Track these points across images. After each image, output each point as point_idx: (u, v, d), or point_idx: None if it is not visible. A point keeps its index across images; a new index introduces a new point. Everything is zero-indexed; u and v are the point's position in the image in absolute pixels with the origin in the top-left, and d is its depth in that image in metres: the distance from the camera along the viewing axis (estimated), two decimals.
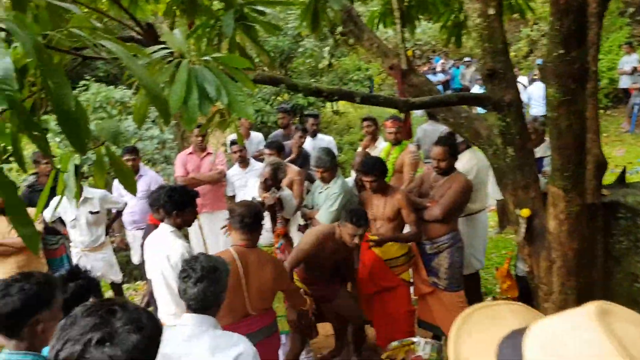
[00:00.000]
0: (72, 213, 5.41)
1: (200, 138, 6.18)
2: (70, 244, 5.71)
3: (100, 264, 5.68)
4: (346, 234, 3.95)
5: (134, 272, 8.97)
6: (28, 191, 5.92)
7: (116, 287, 5.96)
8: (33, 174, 6.17)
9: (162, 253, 3.63)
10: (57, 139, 7.51)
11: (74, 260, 5.66)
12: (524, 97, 11.93)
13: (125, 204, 5.91)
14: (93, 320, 1.24)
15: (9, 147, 2.02)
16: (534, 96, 11.64)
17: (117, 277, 5.98)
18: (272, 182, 4.66)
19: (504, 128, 3.21)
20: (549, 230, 3.28)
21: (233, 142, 6.21)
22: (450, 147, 4.45)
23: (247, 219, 3.41)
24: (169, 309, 3.65)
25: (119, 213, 6.04)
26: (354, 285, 4.68)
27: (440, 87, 14.66)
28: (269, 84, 2.68)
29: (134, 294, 7.51)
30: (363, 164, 4.44)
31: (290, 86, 2.61)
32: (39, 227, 5.16)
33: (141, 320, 1.29)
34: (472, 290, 5.26)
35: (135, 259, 6.46)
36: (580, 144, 3.02)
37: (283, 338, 4.62)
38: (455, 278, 4.56)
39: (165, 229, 3.76)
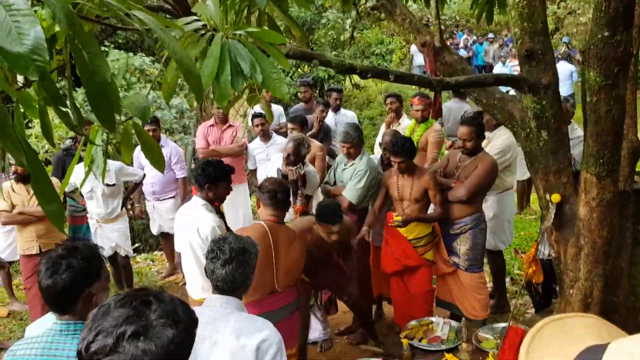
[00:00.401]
0: (89, 185, 5.39)
1: (220, 110, 6.12)
2: (87, 215, 5.72)
3: (115, 235, 5.69)
4: (322, 232, 3.88)
5: (150, 240, 9.06)
6: (63, 154, 5.93)
7: (124, 260, 5.97)
8: (71, 138, 6.17)
9: (193, 226, 3.61)
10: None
11: (92, 231, 5.68)
12: None
13: (143, 176, 5.88)
14: (127, 312, 1.18)
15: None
16: (559, 75, 11.39)
17: (130, 250, 5.99)
18: (294, 157, 4.60)
19: (539, 111, 3.11)
20: (579, 217, 3.21)
21: (255, 115, 6.13)
22: (477, 127, 4.36)
23: (280, 195, 3.39)
24: (197, 282, 3.65)
25: (137, 184, 6.00)
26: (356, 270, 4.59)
27: None
28: (301, 59, 2.61)
29: (151, 264, 7.56)
30: (393, 144, 4.35)
31: (324, 62, 2.53)
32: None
33: (177, 313, 1.24)
34: (498, 269, 5.24)
35: (154, 230, 6.49)
36: (618, 130, 2.92)
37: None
38: (476, 259, 4.51)
39: (196, 202, 3.75)
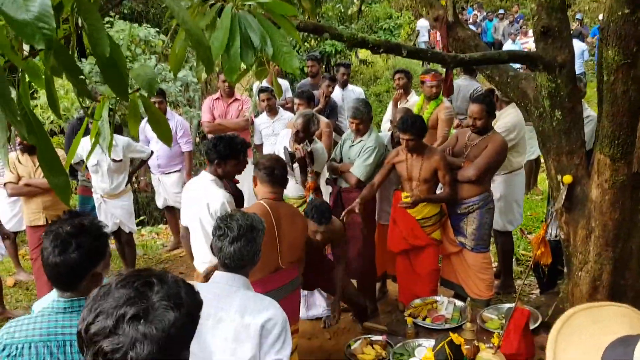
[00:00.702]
0: (94, 158, 5.32)
1: (226, 84, 6.04)
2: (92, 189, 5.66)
3: (118, 212, 5.64)
4: (309, 230, 3.80)
5: (155, 213, 9.07)
6: (77, 123, 5.88)
7: (127, 236, 5.96)
8: (86, 107, 6.11)
9: (202, 201, 3.58)
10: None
11: (96, 205, 5.65)
12: None
13: (151, 153, 5.80)
14: (128, 293, 1.15)
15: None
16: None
17: (133, 227, 5.94)
18: (304, 134, 4.53)
19: (554, 90, 3.05)
20: (590, 199, 3.17)
21: (262, 90, 6.05)
22: (488, 105, 4.26)
23: (277, 171, 3.34)
24: (205, 257, 3.64)
25: (143, 161, 5.92)
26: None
27: None
28: (311, 32, 2.55)
29: (155, 238, 7.57)
30: (402, 121, 4.27)
31: (335, 36, 2.47)
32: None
33: (180, 296, 1.20)
34: (505, 249, 5.21)
35: (159, 203, 6.48)
36: (634, 111, 2.86)
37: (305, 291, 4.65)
38: (483, 239, 4.48)
39: (205, 177, 3.71)
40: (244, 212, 2.45)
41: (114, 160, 5.37)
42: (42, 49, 1.66)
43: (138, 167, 6.08)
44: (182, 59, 2.35)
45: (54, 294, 2.31)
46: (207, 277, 2.77)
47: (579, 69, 10.25)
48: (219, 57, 2.10)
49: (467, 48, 3.39)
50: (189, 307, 1.21)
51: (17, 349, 1.84)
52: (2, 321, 4.94)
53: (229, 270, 2.31)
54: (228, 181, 4.00)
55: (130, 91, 2.26)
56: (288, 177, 4.84)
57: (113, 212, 5.58)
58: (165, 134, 2.25)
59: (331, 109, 6.45)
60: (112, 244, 5.99)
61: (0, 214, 5.29)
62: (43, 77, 1.90)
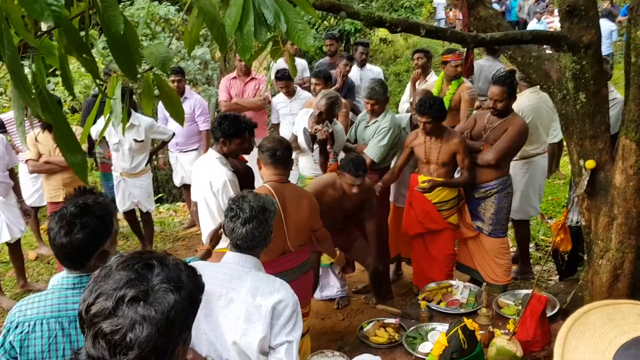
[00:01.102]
0: (116, 137, 5.35)
1: (243, 62, 5.99)
2: (112, 167, 5.70)
3: (137, 191, 5.68)
4: (345, 183, 3.82)
5: (173, 191, 9.13)
6: (93, 101, 5.90)
7: (145, 215, 5.98)
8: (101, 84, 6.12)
9: (206, 178, 3.59)
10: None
11: (115, 183, 5.69)
12: None
13: (173, 134, 5.75)
14: (128, 275, 1.15)
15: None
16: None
17: (151, 206, 5.97)
18: (327, 116, 4.48)
19: (578, 72, 2.95)
20: (614, 185, 3.08)
21: (277, 78, 5.95)
22: (509, 87, 4.16)
23: (279, 152, 3.30)
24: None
25: (165, 143, 5.90)
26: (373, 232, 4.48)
27: None
28: (328, 10, 2.48)
29: (173, 215, 7.62)
30: (420, 103, 4.19)
31: (352, 14, 2.40)
32: (84, 146, 5.17)
33: (180, 279, 1.19)
34: (522, 237, 5.14)
35: (177, 181, 6.51)
36: None
37: (320, 270, 4.64)
38: (500, 224, 4.41)
39: (211, 155, 3.71)
40: (255, 193, 2.44)
41: (136, 141, 5.39)
42: (51, 26, 1.64)
43: (159, 148, 6.11)
44: (196, 37, 2.31)
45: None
46: (203, 257, 2.77)
47: (606, 49, 9.99)
48: (232, 35, 2.06)
49: (488, 27, 3.28)
50: (189, 290, 1.20)
51: (29, 325, 1.88)
52: (24, 294, 5.04)
53: (241, 251, 2.30)
54: (238, 160, 3.99)
55: (144, 70, 2.25)
56: (304, 157, 4.83)
57: (132, 191, 5.62)
58: (178, 113, 2.23)
59: (349, 89, 6.37)
60: (124, 222, 6.05)
61: (22, 190, 5.36)
62: (57, 55, 1.89)
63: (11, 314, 1.93)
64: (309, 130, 4.51)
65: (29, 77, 1.70)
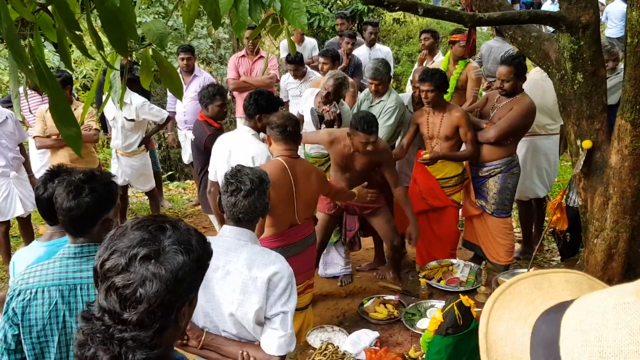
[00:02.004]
0: (112, 113, 5.43)
1: (251, 41, 6.02)
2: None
3: (129, 170, 5.74)
4: (358, 142, 3.84)
5: (185, 169, 9.24)
6: (103, 79, 5.97)
7: (149, 194, 6.06)
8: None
9: (247, 154, 3.62)
10: None
11: (113, 159, 5.76)
12: (601, 15, 11.04)
13: (167, 118, 5.75)
14: (142, 235, 1.23)
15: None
16: (612, 16, 10.74)
17: (145, 186, 6.03)
18: (334, 96, 4.52)
19: (576, 52, 2.95)
20: (609, 165, 3.10)
21: (288, 61, 5.97)
22: (517, 67, 4.14)
23: (290, 128, 3.35)
24: None
25: (160, 126, 5.89)
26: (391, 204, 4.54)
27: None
28: None
29: (182, 192, 7.73)
30: (423, 72, 4.24)
31: None
32: (94, 124, 5.25)
33: (190, 243, 1.27)
34: (525, 217, 5.15)
35: (185, 158, 6.59)
36: None
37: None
38: (504, 204, 4.42)
39: (245, 131, 3.77)
40: (251, 167, 2.49)
41: (127, 119, 5.44)
42: (44, 2, 1.70)
43: (153, 132, 6.11)
44: (194, 15, 2.36)
45: (34, 244, 2.47)
46: None
47: (619, 32, 9.84)
48: (227, 13, 2.11)
49: (490, 7, 3.28)
50: (198, 254, 1.28)
51: (31, 293, 1.95)
52: None
53: (239, 224, 2.37)
54: (207, 125, 4.07)
55: (143, 46, 2.30)
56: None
57: (124, 169, 5.72)
58: (177, 89, 2.29)
59: (355, 67, 6.37)
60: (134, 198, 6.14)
61: (31, 164, 5.47)
62: (54, 29, 1.95)
63: (15, 282, 2.01)
64: (317, 110, 4.56)
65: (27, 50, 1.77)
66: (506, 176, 4.35)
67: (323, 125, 4.54)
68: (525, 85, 4.32)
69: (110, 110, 5.42)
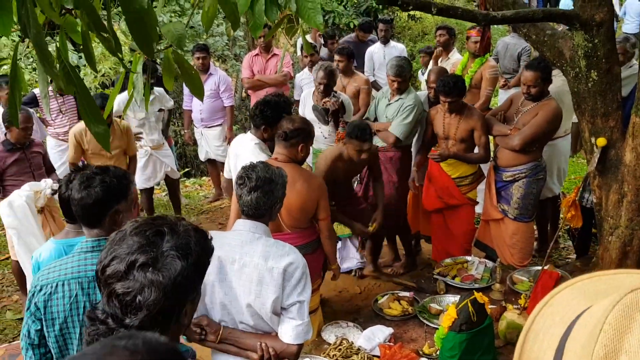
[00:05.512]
0: (142, 112, 5.49)
1: (263, 39, 6.07)
2: (139, 143, 5.76)
3: (168, 159, 5.89)
4: (352, 150, 3.86)
5: (202, 166, 9.33)
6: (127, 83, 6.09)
7: (172, 182, 6.18)
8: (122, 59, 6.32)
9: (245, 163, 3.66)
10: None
11: (143, 160, 5.79)
12: (619, 10, 10.94)
13: (171, 107, 6.00)
14: (140, 241, 1.24)
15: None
16: (631, 11, 10.64)
17: (176, 175, 6.20)
18: (330, 84, 4.58)
19: (590, 50, 2.96)
20: (624, 163, 3.11)
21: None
22: (543, 71, 3.97)
23: (286, 132, 3.34)
24: None
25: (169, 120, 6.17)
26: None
27: None
28: None
29: (199, 189, 7.82)
30: (444, 83, 4.17)
31: None
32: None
33: (189, 246, 1.27)
34: (543, 215, 5.12)
35: (202, 156, 6.67)
36: None
37: (340, 244, 4.74)
38: (527, 209, 4.32)
39: (248, 139, 3.78)
40: (266, 164, 2.51)
41: (158, 110, 5.61)
42: (71, 7, 1.77)
43: (169, 123, 6.29)
44: (213, 15, 2.41)
45: (50, 242, 2.56)
46: None
47: (635, 28, 9.75)
48: (244, 13, 2.16)
49: (504, 5, 3.29)
50: (197, 257, 1.29)
51: (52, 287, 2.02)
52: None
53: (250, 218, 2.42)
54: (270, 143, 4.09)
55: (164, 47, 2.36)
56: (318, 130, 4.92)
57: (163, 160, 5.84)
58: (197, 89, 2.35)
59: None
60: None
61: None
62: (79, 31, 2.02)
63: (35, 279, 2.08)
64: (319, 105, 4.61)
65: (54, 52, 1.84)
66: (531, 181, 4.25)
67: (331, 117, 4.61)
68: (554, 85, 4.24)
69: (138, 110, 5.49)
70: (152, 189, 6.05)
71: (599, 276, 0.81)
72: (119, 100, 4.97)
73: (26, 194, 4.02)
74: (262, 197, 2.38)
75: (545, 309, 0.80)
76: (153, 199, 6.30)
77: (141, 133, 5.64)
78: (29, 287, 2.36)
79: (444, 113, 4.36)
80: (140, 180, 5.72)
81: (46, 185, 4.11)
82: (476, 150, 4.46)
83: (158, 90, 5.58)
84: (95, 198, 2.07)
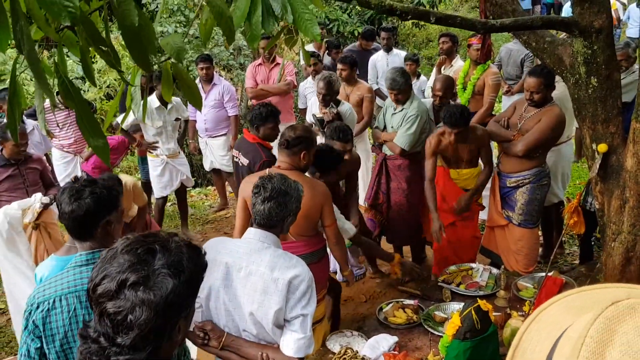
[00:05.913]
0: (160, 120, 5.55)
1: (266, 49, 6.11)
2: (153, 153, 5.83)
3: (184, 168, 5.97)
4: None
5: (208, 175, 9.37)
6: (127, 88, 6.14)
7: (181, 195, 6.23)
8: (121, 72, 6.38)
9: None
10: None
11: (159, 169, 5.84)
12: (622, 15, 10.93)
13: (188, 117, 6.05)
14: (131, 259, 1.22)
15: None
16: (634, 15, 10.63)
17: (190, 183, 6.28)
18: (329, 95, 4.63)
19: (589, 56, 2.96)
20: (625, 168, 3.10)
21: (312, 54, 6.06)
22: (546, 78, 3.99)
23: (288, 140, 3.36)
24: None
25: (186, 122, 6.15)
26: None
27: (528, 1, 13.52)
28: (339, 0, 2.56)
29: (204, 199, 7.84)
30: (450, 115, 4.11)
31: (363, 3, 2.48)
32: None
33: (181, 264, 1.26)
34: (548, 221, 5.10)
35: (207, 165, 6.70)
36: None
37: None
38: (531, 215, 4.32)
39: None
40: (283, 176, 2.52)
41: (176, 119, 5.68)
42: (68, 24, 1.79)
43: (185, 132, 6.33)
44: (210, 29, 2.43)
45: (50, 259, 2.53)
46: None
47: (638, 32, 9.76)
48: (240, 26, 2.18)
49: (504, 13, 3.29)
50: (190, 274, 1.27)
51: (49, 303, 1.99)
52: None
53: (261, 227, 2.43)
54: (262, 148, 4.13)
55: (162, 59, 2.39)
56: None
57: (179, 169, 5.90)
58: (196, 100, 2.37)
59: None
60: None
61: (56, 174, 5.62)
62: (78, 46, 2.04)
63: (31, 297, 2.05)
64: (316, 115, 4.70)
65: (52, 67, 1.86)
66: (535, 187, 4.25)
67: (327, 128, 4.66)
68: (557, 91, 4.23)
69: (156, 119, 5.54)
70: (165, 198, 6.06)
71: (586, 291, 0.82)
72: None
73: (11, 214, 3.91)
74: (275, 207, 2.39)
75: (532, 325, 0.81)
76: (164, 209, 6.33)
77: (157, 142, 5.70)
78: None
79: (448, 138, 4.30)
80: (157, 189, 5.78)
81: (35, 199, 4.01)
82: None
83: (175, 99, 5.64)
84: (86, 209, 2.08)
